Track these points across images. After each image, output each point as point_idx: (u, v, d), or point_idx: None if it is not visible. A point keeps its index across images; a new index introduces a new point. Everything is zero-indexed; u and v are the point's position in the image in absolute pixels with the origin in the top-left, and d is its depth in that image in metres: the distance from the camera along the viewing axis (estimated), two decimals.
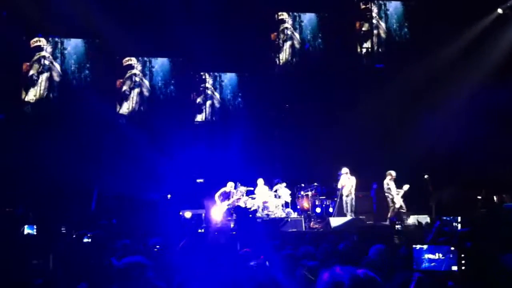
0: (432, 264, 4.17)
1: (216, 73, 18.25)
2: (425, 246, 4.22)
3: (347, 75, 17.66)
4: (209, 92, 18.17)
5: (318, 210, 15.22)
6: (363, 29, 18.41)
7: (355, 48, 18.40)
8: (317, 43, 18.40)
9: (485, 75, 16.17)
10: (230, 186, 14.84)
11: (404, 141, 16.12)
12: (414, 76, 16.87)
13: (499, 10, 16.57)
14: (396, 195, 14.11)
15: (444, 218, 9.49)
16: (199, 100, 18.09)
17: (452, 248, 4.14)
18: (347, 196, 14.65)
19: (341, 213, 14.66)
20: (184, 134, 16.78)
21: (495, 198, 14.50)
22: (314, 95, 17.40)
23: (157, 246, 7.43)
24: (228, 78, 18.33)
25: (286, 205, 15.11)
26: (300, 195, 15.51)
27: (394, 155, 15.85)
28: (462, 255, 4.08)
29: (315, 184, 15.60)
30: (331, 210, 15.17)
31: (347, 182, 14.60)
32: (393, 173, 14.31)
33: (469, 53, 16.63)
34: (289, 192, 15.28)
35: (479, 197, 14.64)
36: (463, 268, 4.08)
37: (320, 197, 15.46)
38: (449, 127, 16.27)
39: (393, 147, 16.12)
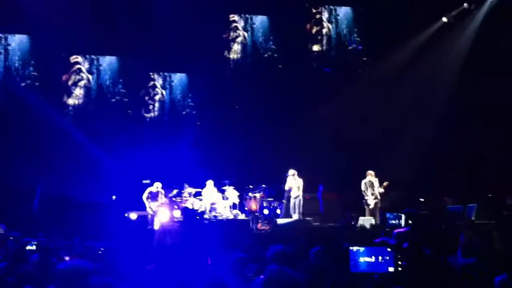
0: (369, 266, 4.24)
1: (165, 73, 18.06)
2: (361, 248, 4.28)
3: (297, 78, 17.82)
4: (158, 92, 17.96)
5: (265, 211, 15.26)
6: (314, 32, 18.63)
7: (306, 52, 18.60)
8: (268, 45, 18.50)
9: (433, 80, 16.68)
10: (156, 186, 14.64)
11: (352, 144, 16.45)
12: (363, 80, 17.23)
13: (444, 19, 17.09)
14: (370, 195, 14.24)
15: (388, 215, 9.70)
16: (147, 100, 17.85)
17: (389, 250, 4.21)
18: (294, 197, 14.75)
19: (288, 215, 14.75)
20: (131, 134, 16.54)
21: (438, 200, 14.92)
22: (264, 97, 17.47)
23: (101, 249, 7.30)
24: (178, 78, 18.17)
25: (234, 206, 15.11)
26: (248, 197, 15.51)
27: (342, 157, 16.15)
28: (399, 256, 4.16)
29: (263, 185, 15.64)
30: (278, 211, 15.26)
31: (294, 183, 14.70)
32: (372, 172, 14.47)
33: (416, 60, 17.09)
34: (237, 193, 15.28)
35: (421, 200, 15.02)
36: (399, 269, 4.16)
37: (268, 199, 15.51)
38: (398, 129, 16.64)
39: (341, 148, 16.40)
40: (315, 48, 18.39)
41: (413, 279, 3.99)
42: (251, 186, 15.62)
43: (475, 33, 16.68)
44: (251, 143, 16.76)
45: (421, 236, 4.82)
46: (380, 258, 4.20)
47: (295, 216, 14.61)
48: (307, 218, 14.48)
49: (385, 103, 16.52)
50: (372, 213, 14.12)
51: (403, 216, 10.48)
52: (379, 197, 14.26)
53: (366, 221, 13.79)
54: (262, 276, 3.50)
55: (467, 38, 16.90)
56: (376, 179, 14.26)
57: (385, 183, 14.24)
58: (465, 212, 13.67)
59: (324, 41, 18.40)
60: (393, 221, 11.83)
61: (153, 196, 14.59)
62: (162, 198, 14.62)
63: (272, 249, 7.22)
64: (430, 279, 3.95)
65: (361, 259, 4.25)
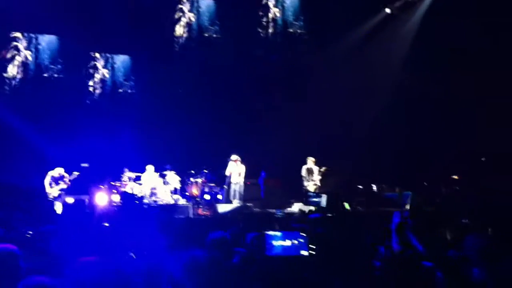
0: (284, 249, 4.26)
1: (108, 54, 17.61)
2: (278, 233, 4.31)
3: (242, 64, 17.75)
4: (99, 73, 17.50)
5: (207, 197, 15.21)
6: (262, 19, 18.57)
7: (252, 37, 18.52)
8: (214, 29, 18.32)
9: (376, 70, 16.94)
10: (58, 171, 14.13)
11: (296, 130, 16.58)
12: (308, 67, 17.34)
13: (387, 10, 17.36)
14: (310, 181, 14.35)
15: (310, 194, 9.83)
16: (88, 81, 17.38)
17: (302, 234, 4.25)
18: (235, 183, 14.78)
19: (229, 200, 14.77)
20: (71, 116, 16.05)
21: (374, 187, 15.27)
22: (208, 82, 17.32)
23: (30, 232, 7.10)
24: (121, 60, 17.76)
25: (175, 191, 14.99)
26: (189, 182, 15.40)
27: (284, 143, 16.25)
28: (312, 241, 4.21)
29: (205, 171, 15.57)
30: (220, 197, 15.25)
31: (235, 169, 14.71)
32: (312, 159, 14.56)
33: (360, 49, 17.30)
34: (179, 178, 15.16)
35: (359, 186, 15.33)
36: (312, 253, 4.20)
37: (210, 184, 15.46)
38: (341, 118, 16.86)
39: (283, 135, 16.51)
40: (261, 33, 18.29)
41: (322, 263, 4.04)
42: (192, 171, 15.51)
43: (418, 24, 17.02)
44: (194, 128, 16.64)
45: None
46: (294, 242, 4.23)
47: (236, 202, 14.67)
48: (248, 204, 14.56)
49: (328, 91, 16.70)
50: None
51: (324, 196, 10.74)
52: (318, 183, 14.45)
53: (303, 206, 13.97)
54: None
55: (409, 29, 17.24)
56: (316, 166, 14.46)
57: (323, 169, 14.46)
58: (400, 199, 14.08)
59: (270, 27, 18.35)
60: (315, 199, 12.16)
61: (55, 181, 14.16)
62: (64, 183, 14.17)
63: (211, 235, 7.21)
64: (340, 264, 4.02)
65: (277, 243, 4.27)
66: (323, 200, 11.31)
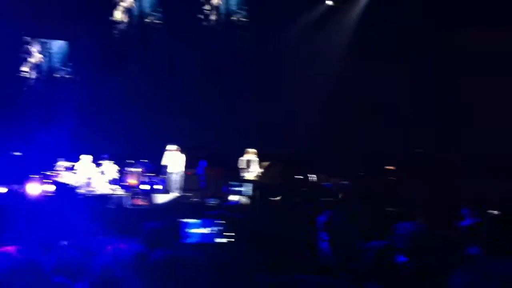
0: (201, 237, 4.19)
1: (44, 39, 16.97)
2: (193, 220, 4.23)
3: (184, 52, 17.49)
4: (35, 59, 16.86)
5: (145, 187, 14.97)
6: (205, 8, 18.32)
7: (194, 25, 18.27)
8: (155, 16, 17.94)
9: (317, 60, 17.07)
10: None
11: (237, 119, 16.53)
12: (250, 56, 17.29)
13: (329, 2, 17.51)
14: (250, 173, 14.29)
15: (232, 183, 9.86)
16: (23, 66, 16.71)
17: (217, 222, 4.19)
18: (175, 173, 14.60)
19: (168, 190, 14.59)
20: (3, 103, 15.41)
21: (313, 177, 15.41)
22: (147, 69, 17.00)
23: None
24: (58, 45, 17.15)
25: (112, 181, 14.65)
26: (127, 172, 15.10)
27: (226, 132, 16.18)
28: (229, 228, 4.16)
29: (144, 160, 15.30)
30: (159, 187, 15.02)
31: (174, 159, 14.53)
32: (251, 150, 14.49)
33: (302, 40, 17.38)
34: (116, 168, 14.84)
35: (299, 177, 15.43)
36: (231, 240, 4.15)
37: (148, 174, 15.21)
38: (282, 108, 16.92)
39: (225, 124, 16.43)
40: (203, 21, 18.06)
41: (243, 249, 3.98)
42: (131, 161, 15.20)
43: (359, 17, 17.25)
44: (132, 116, 16.31)
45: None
46: (211, 229, 4.17)
47: (175, 192, 14.50)
48: (187, 194, 14.43)
49: (270, 81, 16.73)
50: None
51: (246, 184, 10.85)
52: (258, 174, 14.48)
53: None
54: None
55: (351, 21, 17.44)
56: (256, 158, 14.47)
57: (265, 163, 14.53)
58: (337, 189, 14.27)
59: (213, 15, 18.13)
60: (236, 188, 12.28)
61: None
62: None
63: (145, 226, 7.08)
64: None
65: (194, 231, 4.19)
66: (246, 188, 11.32)
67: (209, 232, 4.19)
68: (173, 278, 3.73)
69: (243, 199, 11.44)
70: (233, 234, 4.13)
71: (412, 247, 4.23)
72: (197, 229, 4.20)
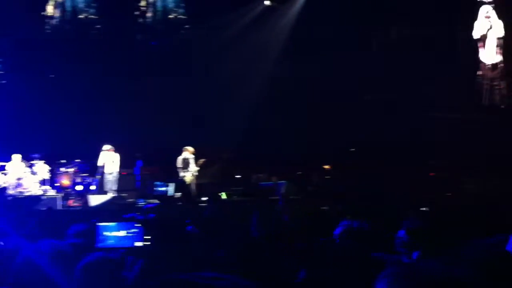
0: (118, 240, 4.09)
1: None
2: (111, 223, 4.13)
3: (120, 49, 17.13)
4: None
5: (79, 187, 14.58)
6: (140, 5, 18.00)
7: (130, 22, 17.93)
8: (91, 12, 17.47)
9: (255, 58, 17.09)
10: None
11: (174, 118, 16.34)
12: (188, 54, 17.14)
13: (267, 2, 17.57)
14: (187, 172, 14.12)
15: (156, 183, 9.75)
16: None
17: (137, 225, 4.11)
18: (109, 173, 14.29)
19: (103, 191, 14.27)
20: None
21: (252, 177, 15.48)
22: (84, 67, 16.52)
23: None
24: None
25: (43, 182, 14.16)
26: (60, 172, 14.65)
27: (163, 131, 15.96)
28: (146, 229, 4.09)
29: (78, 160, 14.89)
30: (93, 188, 14.66)
31: (109, 159, 14.22)
32: (189, 148, 14.33)
33: (239, 39, 17.36)
34: (48, 168, 14.34)
35: (238, 176, 15.46)
36: (148, 242, 4.08)
37: (82, 174, 14.81)
38: (219, 107, 16.87)
39: (161, 123, 16.21)
40: (139, 18, 17.72)
41: (158, 252, 3.92)
42: (63, 161, 14.76)
43: (296, 16, 17.40)
44: (65, 115, 15.84)
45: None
46: (128, 232, 4.08)
47: (110, 193, 14.20)
48: (122, 195, 14.15)
49: (206, 80, 16.68)
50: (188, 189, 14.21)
51: (170, 184, 10.83)
52: (195, 173, 14.38)
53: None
54: None
55: (288, 21, 17.58)
56: (193, 156, 14.36)
57: (201, 160, 14.41)
58: (276, 188, 14.37)
59: (149, 11, 17.83)
60: (161, 188, 12.26)
61: None
62: None
63: (73, 227, 6.87)
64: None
65: (110, 234, 4.08)
66: (171, 188, 11.23)
67: (126, 235, 4.10)
68: (97, 279, 3.64)
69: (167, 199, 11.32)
70: (150, 236, 4.07)
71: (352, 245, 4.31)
72: (114, 232, 4.11)
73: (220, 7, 16.98)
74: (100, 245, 4.07)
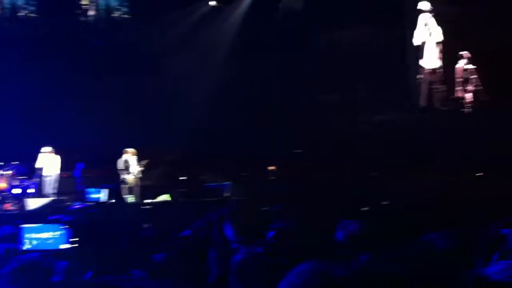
0: (42, 242, 3.92)
1: None
2: (35, 226, 3.95)
3: (65, 49, 16.63)
4: None
5: (16, 191, 14.03)
6: (82, 3, 17.53)
7: (74, 23, 17.46)
8: (30, 10, 16.87)
9: (202, 60, 16.95)
10: None
11: (118, 120, 16.01)
12: (132, 54, 16.84)
13: (212, 3, 17.51)
14: (129, 174, 13.84)
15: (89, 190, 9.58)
16: None
17: (62, 227, 3.95)
18: (49, 176, 13.86)
19: (42, 194, 13.82)
20: None
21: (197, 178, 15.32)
22: (22, 66, 15.94)
23: None
24: None
25: None
26: None
27: (106, 133, 15.60)
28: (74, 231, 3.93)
29: (16, 162, 14.33)
30: (32, 191, 14.16)
31: (48, 161, 13.79)
32: (130, 150, 14.02)
33: (186, 38, 17.19)
34: None
35: (183, 178, 15.25)
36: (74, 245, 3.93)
37: (20, 177, 14.25)
38: (162, 108, 16.63)
39: (105, 125, 15.85)
40: (81, 17, 17.25)
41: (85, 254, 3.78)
42: (0, 163, 14.18)
43: (242, 17, 17.40)
44: (7, 115, 15.24)
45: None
46: (54, 234, 3.92)
47: (49, 196, 13.76)
48: (62, 198, 13.74)
49: (154, 79, 16.46)
50: (130, 191, 13.95)
51: (103, 191, 10.70)
52: (138, 175, 14.13)
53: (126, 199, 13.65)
54: None
55: (235, 20, 17.55)
56: (135, 157, 14.11)
57: (144, 162, 14.18)
58: (220, 189, 14.30)
59: (91, 10, 17.38)
60: (94, 195, 12.14)
61: None
62: None
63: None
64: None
65: (34, 236, 3.91)
66: (103, 195, 11.02)
67: (51, 237, 3.94)
68: (22, 285, 3.48)
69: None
70: (76, 239, 3.92)
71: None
72: (38, 235, 3.93)
73: (165, 6, 16.79)
74: (24, 248, 3.89)
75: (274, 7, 16.85)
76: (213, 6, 17.39)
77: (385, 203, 7.78)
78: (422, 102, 13.46)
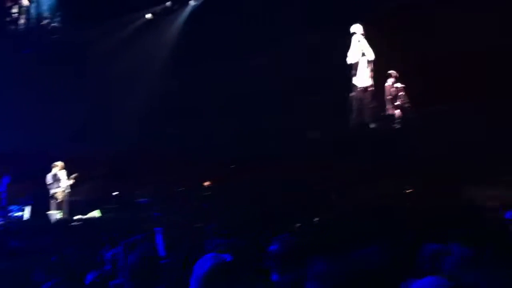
0: None
1: None
2: None
3: None
4: None
5: None
6: (12, 12, 16.92)
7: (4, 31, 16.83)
8: None
9: (136, 73, 16.68)
10: None
11: (46, 132, 15.44)
12: (64, 64, 16.36)
13: (148, 15, 17.34)
14: (57, 188, 13.31)
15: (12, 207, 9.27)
16: None
17: None
18: None
19: None
20: None
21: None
22: None
23: None
24: None
25: None
26: None
27: (34, 145, 15.01)
28: None
29: None
30: None
31: None
32: (59, 164, 13.52)
33: (122, 52, 16.87)
34: None
35: (115, 193, 14.85)
36: None
37: None
38: (94, 121, 16.22)
39: (37, 136, 15.26)
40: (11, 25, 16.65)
41: None
42: None
43: (178, 30, 17.30)
44: None
45: None
46: None
47: None
48: None
49: (85, 93, 16.06)
50: (59, 206, 13.44)
51: (27, 208, 10.46)
52: (67, 190, 13.65)
53: (53, 215, 13.16)
54: None
55: (171, 34, 17.42)
56: (64, 171, 13.65)
57: (73, 175, 13.74)
58: (153, 205, 13.99)
59: (22, 19, 16.80)
60: (17, 213, 11.85)
61: None
62: None
63: None
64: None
65: None
66: (26, 213, 10.64)
67: None
68: None
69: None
70: None
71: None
72: None
73: (100, 16, 16.44)
74: None
75: (212, 17, 16.77)
76: (150, 19, 17.21)
77: (316, 219, 7.78)
78: (355, 118, 13.76)
